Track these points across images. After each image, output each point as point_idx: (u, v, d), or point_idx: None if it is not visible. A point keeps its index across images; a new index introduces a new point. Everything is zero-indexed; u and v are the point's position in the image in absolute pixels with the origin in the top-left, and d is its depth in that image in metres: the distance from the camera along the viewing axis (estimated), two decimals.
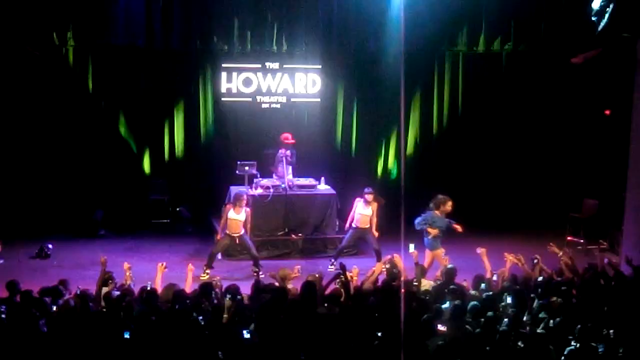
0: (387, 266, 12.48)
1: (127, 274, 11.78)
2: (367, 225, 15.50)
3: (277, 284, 11.66)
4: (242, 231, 15.02)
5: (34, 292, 10.67)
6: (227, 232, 15.00)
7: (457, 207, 18.90)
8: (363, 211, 15.47)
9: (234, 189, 16.88)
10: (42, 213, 17.57)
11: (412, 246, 13.47)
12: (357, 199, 15.55)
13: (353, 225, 15.59)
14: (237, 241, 15.08)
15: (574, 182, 18.63)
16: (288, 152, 16.85)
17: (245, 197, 15.22)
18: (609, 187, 17.00)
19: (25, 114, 17.71)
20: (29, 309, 9.90)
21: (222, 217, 15.24)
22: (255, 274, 14.53)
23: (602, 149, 18.37)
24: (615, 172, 16.15)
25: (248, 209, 15.15)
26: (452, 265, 12.38)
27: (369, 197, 15.42)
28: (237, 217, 14.95)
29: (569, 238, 17.22)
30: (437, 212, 14.26)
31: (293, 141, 16.96)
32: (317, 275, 11.72)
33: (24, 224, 17.10)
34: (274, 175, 16.93)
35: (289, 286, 11.59)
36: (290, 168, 17.04)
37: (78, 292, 10.71)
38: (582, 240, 17.14)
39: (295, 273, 12.08)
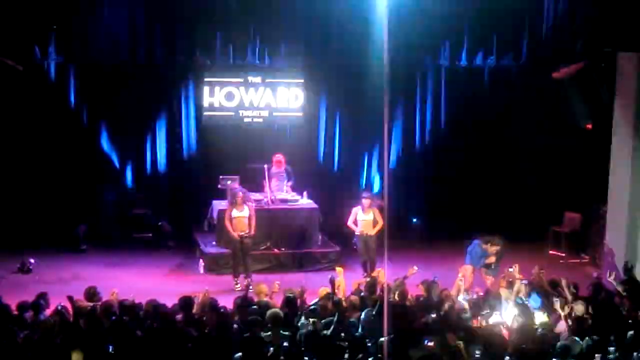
0: (369, 280, 12.43)
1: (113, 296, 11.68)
2: (370, 232, 15.20)
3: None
4: (248, 230, 15.06)
5: (13, 307, 10.65)
6: (235, 233, 14.99)
7: (439, 220, 19.08)
8: (362, 217, 15.30)
9: (216, 204, 16.88)
10: (24, 227, 17.42)
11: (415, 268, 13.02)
12: (354, 207, 15.42)
13: (357, 233, 15.36)
14: (245, 241, 15.07)
15: (556, 196, 18.66)
16: (282, 169, 17.04)
17: (240, 193, 15.27)
18: (591, 200, 17.03)
19: (6, 129, 17.59)
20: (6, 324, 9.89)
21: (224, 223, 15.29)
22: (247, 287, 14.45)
23: (583, 163, 18.40)
24: (596, 186, 16.18)
25: (251, 204, 15.29)
26: (435, 279, 12.38)
27: (366, 201, 15.30)
28: (240, 214, 14.99)
29: (550, 252, 17.26)
30: (485, 246, 13.92)
31: (283, 165, 17.08)
32: (299, 290, 11.66)
33: (6, 238, 16.98)
34: (265, 189, 16.79)
35: (265, 300, 11.57)
36: (285, 184, 17.19)
37: (59, 307, 10.67)
38: (563, 254, 17.19)
39: (273, 288, 12.04)
